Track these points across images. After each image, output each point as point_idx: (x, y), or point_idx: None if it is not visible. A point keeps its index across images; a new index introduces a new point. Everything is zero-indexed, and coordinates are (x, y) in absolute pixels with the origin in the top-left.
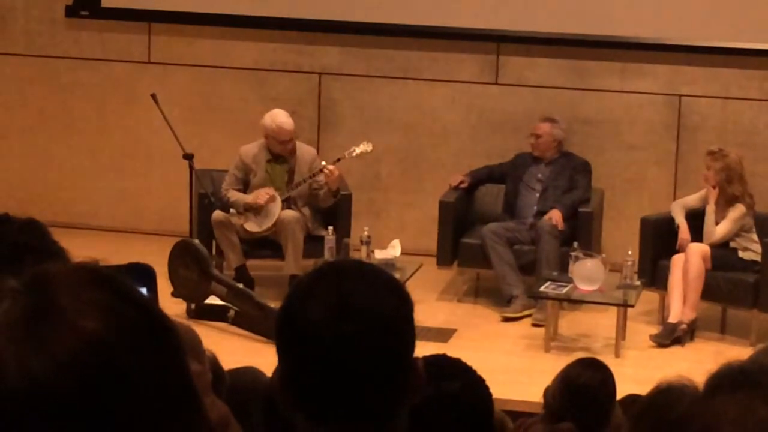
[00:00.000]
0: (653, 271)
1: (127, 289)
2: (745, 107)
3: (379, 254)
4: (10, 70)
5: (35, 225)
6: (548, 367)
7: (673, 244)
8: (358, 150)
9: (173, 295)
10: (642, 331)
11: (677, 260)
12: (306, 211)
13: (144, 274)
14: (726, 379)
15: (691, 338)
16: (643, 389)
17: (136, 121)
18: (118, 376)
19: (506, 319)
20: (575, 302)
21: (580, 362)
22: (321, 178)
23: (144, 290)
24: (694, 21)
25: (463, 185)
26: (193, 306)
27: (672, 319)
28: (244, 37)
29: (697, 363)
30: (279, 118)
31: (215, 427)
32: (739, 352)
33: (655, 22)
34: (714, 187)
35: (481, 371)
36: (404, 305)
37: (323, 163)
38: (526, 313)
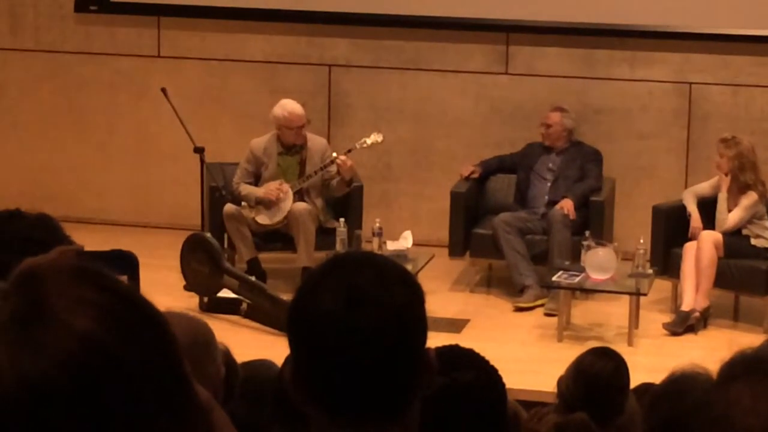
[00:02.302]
0: (665, 259)
1: (115, 283)
2: (756, 94)
3: (391, 245)
4: (20, 66)
5: (47, 220)
6: (561, 357)
7: (685, 232)
8: (368, 141)
9: (186, 288)
10: (655, 319)
11: (689, 248)
12: (319, 202)
13: (126, 261)
14: (739, 367)
15: (704, 326)
16: (657, 378)
17: (147, 115)
18: (113, 372)
19: (519, 309)
20: (588, 291)
21: (593, 351)
22: (333, 168)
23: (125, 278)
24: (703, 8)
25: (474, 175)
26: (205, 299)
27: (685, 307)
28: (253, 30)
29: (710, 351)
30: (289, 105)
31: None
32: (753, 340)
33: (665, 9)
34: (726, 175)
35: (494, 361)
36: (415, 296)
37: (334, 154)
38: (539, 302)
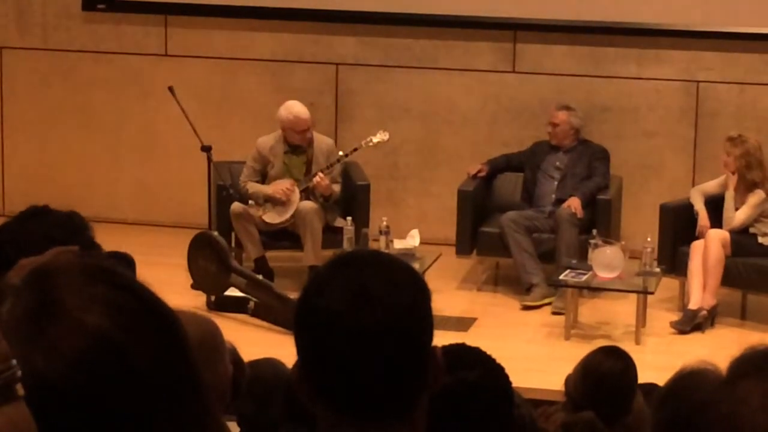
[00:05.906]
0: (673, 257)
1: (127, 280)
2: (763, 92)
3: (398, 244)
4: (28, 65)
5: (73, 220)
6: (568, 355)
7: (693, 230)
8: (375, 139)
9: (193, 287)
10: (662, 318)
11: (697, 246)
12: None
13: (122, 263)
14: (749, 364)
15: (712, 324)
16: (664, 376)
17: (154, 113)
18: (125, 368)
19: (526, 308)
20: (595, 290)
21: (601, 350)
22: (338, 168)
23: None
24: (711, 6)
25: (481, 174)
26: (212, 298)
27: (692, 305)
28: (260, 29)
29: (717, 349)
30: (294, 108)
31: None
32: (760, 338)
33: (672, 8)
34: (733, 173)
35: (501, 360)
36: (422, 294)
37: (340, 152)
38: (546, 301)
